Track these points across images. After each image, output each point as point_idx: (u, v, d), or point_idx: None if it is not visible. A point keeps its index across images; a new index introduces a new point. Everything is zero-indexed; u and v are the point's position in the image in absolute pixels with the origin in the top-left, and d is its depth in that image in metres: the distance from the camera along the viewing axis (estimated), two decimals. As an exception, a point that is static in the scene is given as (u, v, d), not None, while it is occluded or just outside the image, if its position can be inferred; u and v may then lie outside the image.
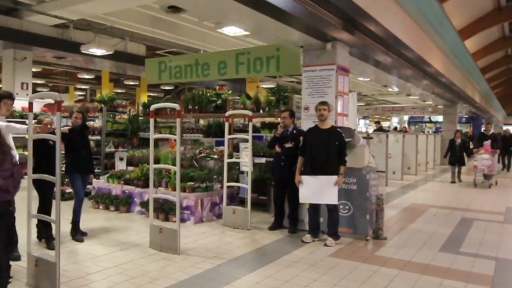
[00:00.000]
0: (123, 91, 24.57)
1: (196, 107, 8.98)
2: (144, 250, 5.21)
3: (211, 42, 12.93)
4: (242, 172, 7.34)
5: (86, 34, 12.16)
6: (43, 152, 5.21)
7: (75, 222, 5.64)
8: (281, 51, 7.75)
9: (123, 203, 7.31)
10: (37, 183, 5.17)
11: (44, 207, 5.24)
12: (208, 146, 8.33)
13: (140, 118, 9.98)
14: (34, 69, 16.80)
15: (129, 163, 8.13)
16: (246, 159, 6.76)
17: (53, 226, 5.23)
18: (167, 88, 22.29)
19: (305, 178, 5.68)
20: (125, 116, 9.84)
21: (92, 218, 6.91)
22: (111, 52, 11.52)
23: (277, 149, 6.44)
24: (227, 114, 6.96)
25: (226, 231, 6.34)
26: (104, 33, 12.42)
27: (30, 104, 4.09)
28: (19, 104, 11.09)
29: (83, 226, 6.09)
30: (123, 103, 9.73)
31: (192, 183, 6.91)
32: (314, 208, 5.85)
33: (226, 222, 6.66)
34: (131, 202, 7.38)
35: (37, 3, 10.05)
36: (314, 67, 6.95)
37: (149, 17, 12.39)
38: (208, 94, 9.07)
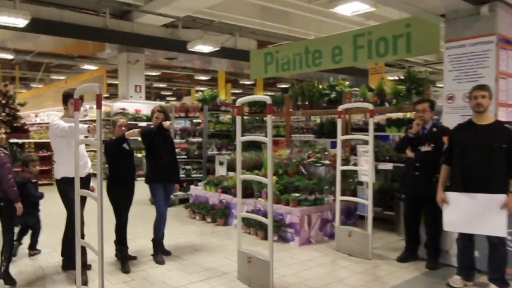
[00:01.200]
0: (240, 91, 24.58)
1: (306, 102, 7.72)
2: (229, 283, 4.14)
3: (325, 30, 11.53)
4: (362, 183, 5.82)
5: (195, 32, 11.86)
6: (118, 160, 4.53)
7: (155, 240, 4.86)
8: (413, 27, 6.05)
9: (219, 215, 6.42)
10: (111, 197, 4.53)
11: (119, 224, 4.57)
12: (321, 149, 6.99)
13: (245, 117, 9.12)
14: (154, 73, 17.62)
15: (230, 168, 7.24)
16: (365, 166, 5.25)
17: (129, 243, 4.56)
18: (283, 86, 21.50)
19: (454, 197, 3.97)
20: (229, 116, 9.07)
21: (185, 230, 6.16)
22: (217, 48, 10.96)
23: (409, 153, 4.81)
24: (340, 108, 5.54)
25: (339, 260, 4.93)
26: (213, 29, 11.98)
27: (76, 102, 3.34)
28: (133, 106, 11.27)
29: (172, 239, 5.39)
30: (226, 101, 8.96)
31: (297, 195, 5.67)
32: (467, 239, 4.09)
33: (340, 246, 5.25)
34: (229, 214, 6.46)
35: (145, 3, 9.96)
36: (462, 41, 5.08)
37: (257, 7, 11.58)
38: (320, 87, 7.72)
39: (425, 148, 4.67)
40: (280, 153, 6.63)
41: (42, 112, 16.68)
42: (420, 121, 4.74)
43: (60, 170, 4.23)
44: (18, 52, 14.96)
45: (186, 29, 11.74)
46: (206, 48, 10.83)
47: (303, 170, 6.30)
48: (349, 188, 6.10)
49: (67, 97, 4.23)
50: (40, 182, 5.79)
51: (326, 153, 6.54)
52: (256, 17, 11.76)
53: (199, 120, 8.75)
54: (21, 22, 7.95)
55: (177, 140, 8.11)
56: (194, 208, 6.82)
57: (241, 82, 20.86)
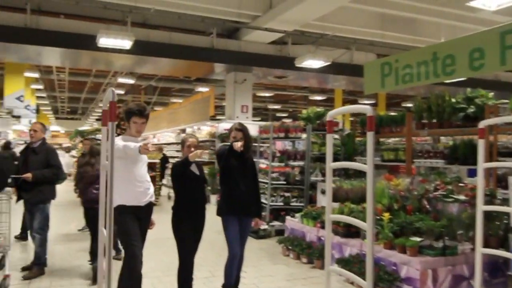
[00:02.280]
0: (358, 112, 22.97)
1: (434, 120, 6.19)
2: None
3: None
4: (515, 230, 4.15)
5: (306, 48, 11.07)
6: (184, 186, 3.85)
7: (226, 287, 3.96)
8: None
9: (317, 255, 5.29)
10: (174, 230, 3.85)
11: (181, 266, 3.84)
12: (453, 179, 5.42)
13: (357, 138, 7.88)
14: (267, 94, 17.33)
15: (334, 198, 6.07)
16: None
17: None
18: (410, 105, 19.37)
19: None
20: (337, 136, 7.92)
21: (273, 271, 5.18)
22: (328, 63, 9.97)
23: None
24: (482, 124, 4.04)
25: None
26: (325, 44, 11.05)
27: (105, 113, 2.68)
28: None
29: (256, 282, 4.49)
30: (334, 120, 7.83)
31: (418, 240, 4.28)
32: None
33: (482, 320, 3.69)
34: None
35: (252, 20, 9.56)
36: None
37: (375, 16, 10.37)
38: (452, 100, 6.14)
39: None
40: (396, 182, 5.28)
41: (158, 133, 17.64)
42: None
43: (116, 197, 3.67)
44: (142, 77, 16.14)
45: (296, 46, 11.04)
46: (316, 63, 9.94)
47: (428, 207, 4.86)
48: (495, 235, 4.44)
49: (128, 114, 3.70)
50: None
51: (461, 184, 4.97)
52: (374, 27, 10.53)
53: (301, 141, 7.80)
54: (127, 44, 8.12)
55: (275, 163, 7.27)
56: (288, 244, 5.81)
57: (360, 102, 19.38)
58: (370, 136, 2.85)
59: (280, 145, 11.41)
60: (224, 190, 4.12)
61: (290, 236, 6.02)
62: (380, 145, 7.17)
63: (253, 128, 10.32)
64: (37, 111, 17.17)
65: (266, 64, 10.91)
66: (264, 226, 6.92)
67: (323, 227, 5.52)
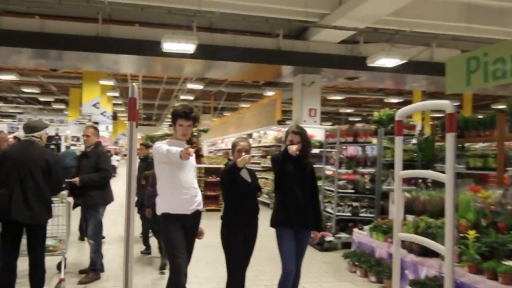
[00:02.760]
0: (441, 115, 21.22)
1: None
2: None
3: None
4: None
5: (380, 46, 10.33)
6: (234, 194, 3.58)
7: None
8: None
9: (387, 274, 4.68)
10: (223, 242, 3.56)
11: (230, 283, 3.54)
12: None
13: (437, 143, 7.07)
14: (338, 97, 16.65)
15: (408, 209, 5.40)
16: None
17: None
18: (502, 107, 17.47)
19: None
20: (414, 141, 7.14)
21: (337, 291, 4.68)
22: (404, 61, 9.16)
23: None
24: None
25: None
26: (400, 41, 10.21)
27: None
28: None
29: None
30: (410, 123, 7.07)
31: (514, 265, 3.56)
32: None
33: None
34: (402, 275, 4.64)
35: (320, 18, 9.11)
36: None
37: (460, 8, 9.36)
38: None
39: None
40: (485, 194, 4.52)
41: (226, 138, 17.74)
42: None
43: (162, 204, 3.47)
44: (212, 83, 16.35)
45: (369, 44, 10.35)
46: (390, 62, 9.19)
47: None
48: None
49: (174, 116, 3.48)
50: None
51: None
52: (458, 20, 9.51)
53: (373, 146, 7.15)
54: (191, 48, 8.10)
55: (342, 170, 6.71)
56: (354, 260, 5.25)
57: (442, 105, 17.86)
58: (450, 139, 2.33)
59: (352, 150, 10.77)
60: (279, 198, 3.74)
61: (357, 250, 5.45)
62: (465, 150, 6.32)
63: (321, 133, 9.86)
64: (114, 117, 18.17)
65: (336, 64, 10.35)
66: (329, 237, 6.41)
67: (395, 243, 4.90)
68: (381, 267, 4.82)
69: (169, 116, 11.70)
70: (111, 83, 13.71)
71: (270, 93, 14.84)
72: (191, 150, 3.10)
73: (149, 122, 32.25)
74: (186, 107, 3.50)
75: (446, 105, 2.37)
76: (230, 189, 3.56)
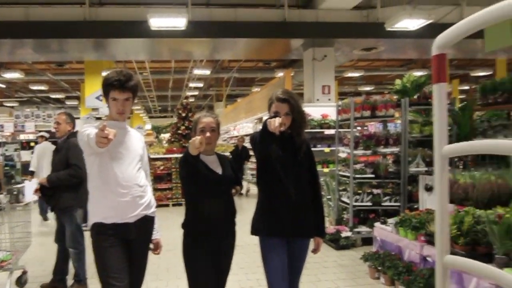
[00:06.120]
0: (471, 86, 19.24)
1: None
2: None
3: None
4: None
5: (401, 8, 8.88)
6: (197, 191, 2.50)
7: None
8: None
9: (421, 284, 3.48)
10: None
11: None
12: None
13: (476, 113, 5.77)
14: (356, 74, 15.19)
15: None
16: None
17: None
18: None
19: None
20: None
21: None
22: (430, 22, 7.75)
23: None
24: None
25: None
26: (425, 3, 8.75)
27: None
28: (319, 111, 9.18)
29: None
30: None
31: None
32: None
33: None
34: None
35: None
36: None
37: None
38: None
39: None
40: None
41: (238, 125, 16.65)
42: None
43: (92, 211, 2.43)
44: (224, 69, 15.25)
45: (387, 8, 8.95)
46: (413, 24, 7.80)
47: None
48: None
49: (106, 87, 2.42)
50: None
51: None
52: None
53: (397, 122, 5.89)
54: (181, 23, 7.01)
55: (359, 152, 5.46)
56: (377, 264, 4.07)
57: (473, 74, 16.04)
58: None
59: (371, 127, 9.35)
60: (262, 195, 2.61)
61: (380, 251, 4.25)
62: (511, 119, 5.01)
63: (334, 112, 8.60)
64: (129, 111, 17.40)
65: (350, 33, 8.96)
66: (346, 233, 5.23)
67: (429, 241, 3.70)
68: (412, 275, 3.63)
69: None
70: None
71: (281, 74, 13.62)
72: (111, 131, 2.02)
73: (165, 114, 31.53)
74: (120, 73, 2.41)
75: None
76: (191, 184, 2.47)
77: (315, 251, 2.65)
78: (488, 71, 15.47)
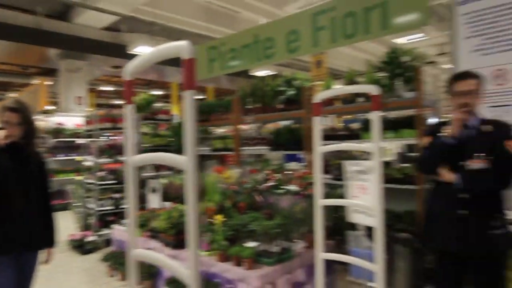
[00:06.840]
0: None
1: (258, 105, 4.80)
2: None
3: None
4: (354, 226, 2.94)
5: (141, 37, 8.58)
6: None
7: None
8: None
9: (145, 275, 3.39)
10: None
11: None
12: (278, 166, 4.12)
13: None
14: (110, 88, 14.03)
15: (166, 196, 4.19)
16: (361, 197, 2.43)
17: None
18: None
19: None
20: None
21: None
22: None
23: (447, 175, 2.03)
24: (317, 99, 2.58)
25: None
26: (159, 34, 8.74)
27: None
28: (73, 120, 7.93)
29: None
30: (164, 108, 5.88)
31: (254, 245, 2.79)
32: None
33: None
34: (158, 273, 3.44)
35: None
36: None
37: (201, 8, 8.55)
38: (272, 84, 4.80)
39: (475, 164, 1.91)
40: (227, 175, 3.69)
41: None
42: (465, 114, 1.97)
43: None
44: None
45: (132, 34, 8.49)
46: (148, 50, 7.58)
47: (261, 199, 3.41)
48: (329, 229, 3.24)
49: None
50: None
51: (289, 172, 3.66)
52: (200, 19, 8.70)
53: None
54: None
55: (103, 160, 4.94)
56: (112, 262, 3.74)
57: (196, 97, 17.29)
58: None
59: (119, 137, 8.82)
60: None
61: (118, 251, 3.94)
62: (209, 133, 5.53)
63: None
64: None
65: (100, 51, 8.09)
66: (91, 237, 4.65)
67: (153, 236, 3.63)
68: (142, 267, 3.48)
69: None
70: None
71: (37, 81, 11.13)
72: None
73: None
74: None
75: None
76: None
77: (47, 260, 2.12)
78: (203, 95, 16.80)
